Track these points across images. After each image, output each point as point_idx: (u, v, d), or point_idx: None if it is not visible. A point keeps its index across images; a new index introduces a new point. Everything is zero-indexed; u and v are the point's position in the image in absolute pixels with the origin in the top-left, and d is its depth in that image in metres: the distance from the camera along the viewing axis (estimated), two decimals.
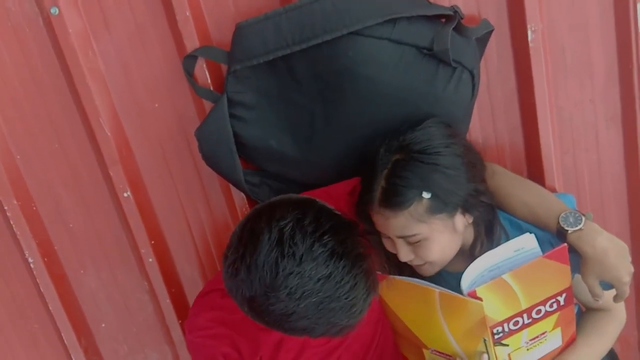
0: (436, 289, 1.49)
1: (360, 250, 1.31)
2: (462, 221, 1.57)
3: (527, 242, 1.54)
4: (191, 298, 1.97)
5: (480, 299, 1.43)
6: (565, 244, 1.52)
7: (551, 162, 1.91)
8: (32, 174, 1.88)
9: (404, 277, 1.60)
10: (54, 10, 1.66)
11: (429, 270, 1.61)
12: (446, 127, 1.57)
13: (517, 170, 1.95)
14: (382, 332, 1.72)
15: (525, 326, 1.54)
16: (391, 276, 1.61)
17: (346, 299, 1.26)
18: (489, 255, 1.52)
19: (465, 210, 1.56)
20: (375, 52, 1.56)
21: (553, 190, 1.89)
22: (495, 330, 1.50)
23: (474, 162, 1.59)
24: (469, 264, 1.61)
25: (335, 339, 1.59)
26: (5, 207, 1.85)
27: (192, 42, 1.70)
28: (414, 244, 1.54)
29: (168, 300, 1.99)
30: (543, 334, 1.58)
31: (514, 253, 1.53)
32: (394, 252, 1.60)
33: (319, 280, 1.23)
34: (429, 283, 1.53)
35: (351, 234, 1.31)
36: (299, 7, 1.54)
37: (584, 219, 1.55)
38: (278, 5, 1.65)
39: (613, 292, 1.57)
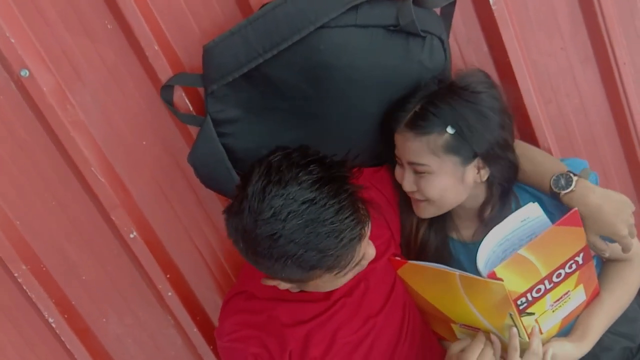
0: (456, 272, 1.49)
1: (348, 179, 1.34)
2: (473, 175, 1.59)
3: (532, 212, 1.56)
4: (217, 321, 1.90)
5: (501, 279, 1.43)
6: (576, 208, 1.53)
7: (537, 115, 1.93)
8: (35, 236, 1.86)
9: (424, 263, 1.60)
10: (24, 73, 1.64)
11: (426, 211, 1.64)
12: (485, 74, 1.62)
13: None
14: (410, 317, 1.72)
15: (547, 291, 1.55)
16: (411, 262, 1.62)
17: (331, 224, 1.28)
18: (498, 229, 1.53)
19: (487, 161, 1.57)
20: (344, 40, 1.55)
21: (549, 151, 1.93)
22: (519, 302, 1.50)
23: (506, 111, 1.61)
24: (477, 230, 1.67)
25: (363, 329, 1.61)
26: (16, 274, 1.83)
27: (166, 74, 1.69)
28: (419, 174, 1.57)
29: (195, 330, 1.99)
30: (566, 294, 1.59)
31: (521, 223, 1.55)
32: (399, 180, 1.63)
33: (303, 202, 1.27)
34: (447, 267, 1.54)
35: (339, 168, 1.35)
36: (262, 16, 1.54)
37: (574, 180, 1.56)
38: (240, 19, 1.65)
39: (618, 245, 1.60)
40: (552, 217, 1.55)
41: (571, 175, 1.57)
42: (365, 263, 1.47)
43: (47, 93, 1.67)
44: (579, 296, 1.62)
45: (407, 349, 1.70)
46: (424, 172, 1.56)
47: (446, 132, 1.51)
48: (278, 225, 1.27)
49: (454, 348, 1.54)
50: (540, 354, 1.51)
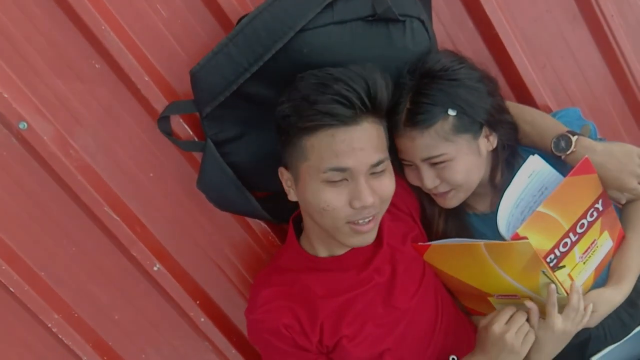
0: (480, 242, 1.47)
1: None
2: (485, 145, 1.59)
3: (535, 165, 1.55)
4: None
5: (526, 238, 1.41)
6: (586, 158, 1.53)
7: (534, 82, 1.92)
8: (62, 284, 1.84)
9: (445, 241, 1.60)
10: (22, 126, 1.63)
11: (454, 199, 1.63)
12: (452, 52, 1.63)
13: (506, 99, 1.87)
14: (443, 306, 1.71)
15: (574, 244, 1.53)
16: (433, 243, 1.61)
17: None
18: (509, 192, 1.52)
19: (491, 127, 1.58)
20: (326, 40, 1.53)
21: (548, 110, 1.90)
22: (548, 259, 1.48)
23: (488, 77, 1.62)
24: (493, 199, 1.68)
25: (394, 315, 1.61)
26: (49, 324, 1.81)
27: (160, 103, 1.69)
28: (438, 166, 1.55)
29: (234, 351, 1.97)
30: (593, 243, 1.58)
31: (529, 179, 1.54)
32: (417, 183, 1.62)
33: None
34: (470, 239, 1.53)
35: None
36: (241, 30, 1.53)
37: (574, 140, 1.57)
38: (223, 35, 1.65)
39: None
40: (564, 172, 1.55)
41: (569, 136, 1.57)
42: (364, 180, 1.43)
43: (49, 142, 1.67)
44: (606, 243, 1.61)
45: (442, 338, 1.69)
46: (443, 162, 1.54)
47: (448, 115, 1.51)
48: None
49: (497, 328, 1.48)
50: (581, 309, 1.48)
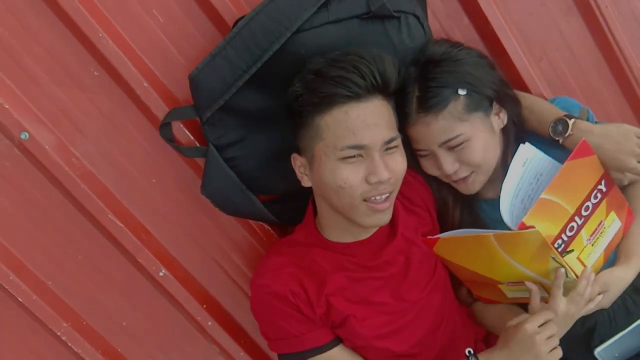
0: (490, 233, 1.48)
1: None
2: (497, 122, 1.60)
3: (527, 152, 1.55)
4: (260, 341, 1.96)
5: (533, 227, 1.41)
6: (583, 140, 1.53)
7: (530, 75, 1.92)
8: (69, 293, 1.84)
9: (455, 233, 1.60)
10: (24, 136, 1.63)
11: (476, 182, 1.63)
12: (444, 39, 1.65)
13: None
14: (450, 304, 1.74)
15: (580, 227, 1.54)
16: (442, 235, 1.62)
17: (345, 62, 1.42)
18: (506, 184, 1.53)
19: (501, 102, 1.59)
20: (323, 39, 1.54)
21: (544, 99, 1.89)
22: (555, 245, 1.48)
23: (485, 55, 1.65)
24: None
25: (403, 305, 1.62)
26: (58, 333, 1.81)
27: (160, 109, 1.68)
28: (456, 149, 1.56)
29: (242, 353, 1.97)
30: (600, 224, 1.58)
31: (523, 168, 1.55)
32: (435, 172, 1.63)
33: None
34: (479, 230, 1.53)
35: None
36: (238, 33, 1.53)
37: (570, 123, 1.57)
38: (220, 38, 1.64)
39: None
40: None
41: (566, 119, 1.58)
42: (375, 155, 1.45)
43: (51, 151, 1.67)
44: (614, 224, 1.62)
45: (448, 334, 1.70)
46: (461, 144, 1.55)
47: (459, 95, 1.52)
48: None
49: (530, 327, 1.47)
50: (587, 294, 1.48)
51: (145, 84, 1.65)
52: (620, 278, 1.58)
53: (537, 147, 1.58)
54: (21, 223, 1.75)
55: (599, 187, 1.56)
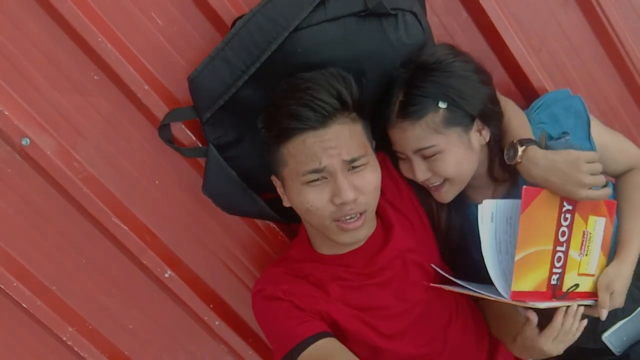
0: (492, 297, 1.53)
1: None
2: (477, 139, 1.59)
3: (490, 207, 1.55)
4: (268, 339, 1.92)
5: (523, 299, 1.49)
6: (524, 187, 1.53)
7: (530, 66, 1.91)
8: (74, 297, 1.83)
9: (455, 288, 1.62)
10: (25, 142, 1.63)
11: (449, 193, 1.62)
12: (449, 45, 1.64)
13: (505, 86, 1.96)
14: (461, 303, 1.75)
15: (566, 251, 1.58)
16: (449, 288, 1.64)
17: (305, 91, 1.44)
18: (485, 248, 1.54)
19: (485, 120, 1.58)
20: (320, 38, 1.53)
21: (544, 90, 1.91)
22: (553, 280, 1.56)
23: (482, 69, 1.62)
24: (496, 191, 1.71)
25: (405, 305, 1.63)
26: (64, 338, 1.81)
27: (161, 111, 1.68)
28: (429, 159, 1.56)
29: (250, 351, 1.98)
30: (584, 235, 1.61)
31: (493, 223, 1.55)
32: (410, 175, 1.62)
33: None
34: (477, 289, 1.56)
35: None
36: (236, 34, 1.53)
37: (520, 151, 1.54)
38: (219, 39, 1.62)
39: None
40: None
41: (517, 146, 1.55)
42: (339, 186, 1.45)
43: (52, 156, 1.67)
44: (597, 224, 1.63)
45: (460, 333, 1.70)
46: (434, 154, 1.55)
47: (439, 107, 1.51)
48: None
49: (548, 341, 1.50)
50: (566, 328, 1.50)
51: (146, 86, 1.65)
52: (617, 274, 1.60)
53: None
54: (24, 228, 1.74)
55: (564, 209, 1.57)
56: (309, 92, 1.42)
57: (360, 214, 1.49)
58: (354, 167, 1.46)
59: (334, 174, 1.44)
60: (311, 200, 1.46)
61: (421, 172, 1.58)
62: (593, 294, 1.62)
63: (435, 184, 1.60)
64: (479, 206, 1.53)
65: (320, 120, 1.41)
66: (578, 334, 1.51)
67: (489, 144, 1.63)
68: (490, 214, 1.55)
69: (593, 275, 1.63)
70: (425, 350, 1.62)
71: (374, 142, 1.58)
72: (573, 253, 1.58)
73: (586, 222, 1.60)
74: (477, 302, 1.82)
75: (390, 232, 1.65)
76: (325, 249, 1.63)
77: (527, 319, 1.50)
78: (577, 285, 1.59)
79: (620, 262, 1.61)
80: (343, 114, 1.45)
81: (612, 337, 1.75)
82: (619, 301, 1.59)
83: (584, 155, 1.51)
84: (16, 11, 1.58)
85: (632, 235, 1.64)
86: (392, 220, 1.67)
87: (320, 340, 1.51)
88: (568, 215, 1.56)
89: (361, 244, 1.60)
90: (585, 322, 1.52)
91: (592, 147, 1.67)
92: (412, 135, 1.54)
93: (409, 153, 1.58)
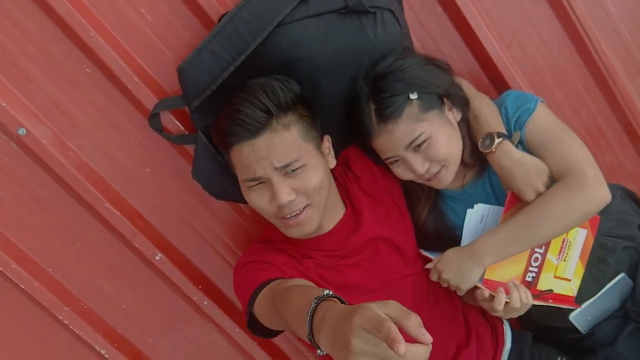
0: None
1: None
2: (452, 116, 1.63)
3: (480, 212, 1.65)
4: None
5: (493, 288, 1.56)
6: (510, 192, 1.62)
7: (502, 60, 1.94)
8: (69, 279, 1.87)
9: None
10: (21, 132, 1.65)
11: (447, 176, 1.64)
12: (401, 50, 1.65)
13: (478, 79, 1.98)
14: (433, 283, 1.77)
15: (545, 254, 1.63)
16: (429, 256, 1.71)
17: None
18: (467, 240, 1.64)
19: (451, 100, 1.62)
20: (302, 33, 1.56)
21: (518, 87, 1.94)
22: (528, 278, 1.60)
23: (434, 59, 1.67)
24: (466, 175, 1.74)
25: (377, 283, 1.67)
26: (60, 317, 1.85)
27: (151, 102, 1.70)
28: (422, 148, 1.58)
29: (237, 329, 2.00)
30: (564, 242, 1.64)
31: (482, 225, 1.64)
32: (409, 175, 1.64)
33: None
34: None
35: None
36: (223, 28, 1.56)
37: (496, 142, 1.59)
38: (205, 33, 1.66)
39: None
40: None
41: (495, 137, 1.60)
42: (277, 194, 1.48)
43: (47, 145, 1.69)
44: (578, 234, 1.66)
45: (431, 310, 1.74)
46: (424, 142, 1.57)
47: (411, 99, 1.55)
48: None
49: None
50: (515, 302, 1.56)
51: (136, 79, 1.67)
52: (452, 256, 1.64)
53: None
54: (21, 214, 1.77)
55: None
56: (238, 108, 1.46)
57: (303, 209, 1.53)
58: (291, 171, 1.48)
59: (270, 180, 1.48)
60: (255, 202, 1.54)
61: (419, 164, 1.60)
62: (566, 298, 1.67)
63: (433, 172, 1.62)
64: (471, 210, 1.62)
65: (248, 134, 1.45)
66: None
67: (460, 128, 1.66)
68: (481, 216, 1.62)
69: (569, 280, 1.67)
70: None
71: (325, 138, 1.62)
72: (551, 257, 1.63)
73: (567, 232, 1.64)
74: None
75: (360, 217, 1.68)
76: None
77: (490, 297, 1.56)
78: (551, 290, 1.65)
79: (465, 251, 1.63)
80: (271, 123, 1.46)
81: (579, 317, 1.79)
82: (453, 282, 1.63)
83: (547, 170, 1.59)
84: (13, 9, 1.60)
85: (495, 240, 1.60)
86: (363, 207, 1.70)
87: (277, 280, 1.52)
88: None
89: (324, 230, 1.65)
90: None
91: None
92: (400, 133, 1.56)
93: (401, 152, 1.60)
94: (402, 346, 0.87)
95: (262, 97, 1.46)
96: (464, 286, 1.61)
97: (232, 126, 1.46)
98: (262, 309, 1.44)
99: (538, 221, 1.57)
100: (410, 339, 0.91)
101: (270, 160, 1.46)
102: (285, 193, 1.47)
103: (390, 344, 0.88)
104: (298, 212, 1.52)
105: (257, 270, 1.57)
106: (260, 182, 1.50)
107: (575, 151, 1.61)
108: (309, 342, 1.09)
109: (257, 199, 1.53)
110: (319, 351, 1.07)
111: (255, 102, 1.45)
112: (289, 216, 1.52)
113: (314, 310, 1.09)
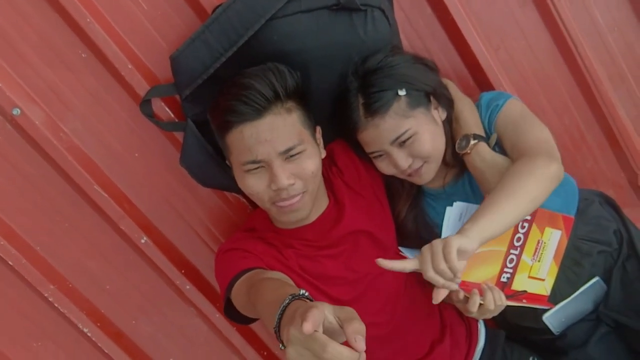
0: None
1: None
2: (438, 115, 1.67)
3: (459, 209, 1.65)
4: None
5: (468, 290, 1.56)
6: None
7: (489, 63, 1.98)
8: (57, 257, 1.91)
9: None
10: (15, 112, 1.69)
11: (428, 172, 1.68)
12: (391, 48, 1.68)
13: (464, 80, 2.02)
14: (411, 279, 1.82)
15: (519, 255, 1.66)
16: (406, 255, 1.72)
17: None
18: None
19: (437, 99, 1.65)
20: (294, 27, 1.60)
21: (502, 89, 1.98)
22: (503, 278, 1.63)
23: (422, 58, 1.70)
24: (447, 174, 1.77)
25: (355, 275, 1.71)
26: (46, 294, 1.88)
27: (143, 89, 1.75)
28: (407, 143, 1.61)
29: (217, 315, 2.04)
30: (538, 243, 1.68)
31: (460, 223, 1.65)
32: (391, 170, 1.68)
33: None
34: None
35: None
36: (216, 19, 1.60)
37: (472, 144, 1.64)
38: (199, 24, 1.69)
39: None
40: None
41: (471, 138, 1.65)
42: (276, 178, 1.52)
43: (40, 126, 1.73)
44: (553, 235, 1.70)
45: (407, 306, 1.78)
46: (409, 138, 1.61)
47: (400, 95, 1.59)
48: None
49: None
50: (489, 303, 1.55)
51: (130, 66, 1.71)
52: (455, 241, 1.46)
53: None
54: (12, 193, 1.81)
55: (523, 218, 1.62)
56: (244, 86, 1.49)
57: (299, 195, 1.57)
58: (291, 156, 1.52)
59: (270, 164, 1.51)
60: (252, 186, 1.56)
61: (403, 160, 1.63)
62: (540, 297, 1.71)
63: (415, 168, 1.65)
64: (450, 208, 1.63)
65: (254, 113, 1.48)
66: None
67: (443, 127, 1.70)
68: (459, 213, 1.64)
69: (543, 280, 1.70)
70: (373, 319, 1.68)
71: (317, 129, 1.66)
72: (526, 257, 1.66)
73: (542, 233, 1.67)
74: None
75: (342, 210, 1.73)
76: (280, 224, 1.72)
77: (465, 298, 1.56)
78: (525, 291, 1.68)
79: (464, 234, 1.46)
80: (276, 105, 1.50)
81: (552, 318, 1.84)
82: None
83: None
84: None
85: (489, 217, 1.48)
86: (345, 200, 1.74)
87: (255, 270, 1.57)
88: (526, 225, 1.65)
89: (308, 221, 1.69)
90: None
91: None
92: (386, 128, 1.60)
93: (386, 147, 1.63)
94: (308, 325, 0.93)
95: (271, 77, 1.50)
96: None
97: (237, 104, 1.48)
98: (238, 296, 1.50)
99: (503, 198, 1.51)
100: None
101: (274, 144, 1.49)
102: (285, 177, 1.51)
103: (302, 321, 0.95)
104: (294, 197, 1.56)
105: (238, 258, 1.62)
106: (259, 167, 1.53)
107: (535, 133, 1.64)
108: (275, 334, 1.12)
109: (255, 183, 1.55)
110: (281, 345, 1.08)
111: (264, 81, 1.49)
112: (285, 202, 1.56)
113: (286, 306, 1.12)
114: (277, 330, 1.11)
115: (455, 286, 1.44)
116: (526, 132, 1.66)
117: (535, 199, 1.52)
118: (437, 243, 1.41)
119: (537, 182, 1.52)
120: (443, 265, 1.38)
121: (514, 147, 1.65)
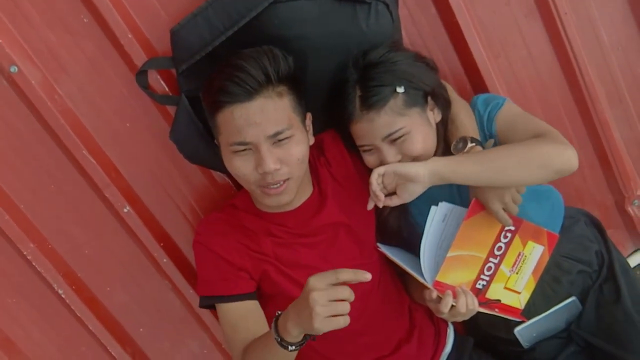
0: (420, 280, 1.67)
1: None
2: (432, 116, 1.71)
3: (444, 210, 1.70)
4: None
5: (442, 290, 1.62)
6: (474, 199, 1.67)
7: (488, 69, 2.03)
8: (39, 217, 1.96)
9: (397, 259, 1.76)
10: (13, 69, 1.74)
11: None
12: (390, 44, 1.74)
13: (460, 84, 2.07)
14: (384, 276, 1.88)
15: (498, 264, 1.71)
16: (385, 252, 1.78)
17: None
18: (427, 240, 1.69)
19: (435, 100, 1.70)
20: (296, 13, 1.64)
21: (497, 93, 2.02)
22: (478, 285, 1.67)
23: (424, 57, 1.75)
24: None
25: (327, 266, 1.71)
26: (25, 252, 1.94)
27: (141, 59, 1.80)
28: (398, 141, 1.66)
29: (191, 291, 2.10)
30: (519, 255, 1.73)
31: (444, 224, 1.69)
32: (381, 163, 1.69)
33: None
34: (407, 267, 1.71)
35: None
36: None
37: (468, 146, 1.67)
38: (202, 1, 1.72)
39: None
40: None
41: (468, 141, 1.68)
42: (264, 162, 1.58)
43: (36, 86, 1.78)
44: (534, 250, 1.75)
45: (379, 303, 1.84)
46: (402, 137, 1.66)
47: (398, 92, 1.64)
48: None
49: (312, 282, 1.38)
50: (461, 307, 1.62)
51: (129, 35, 1.77)
52: (409, 167, 1.60)
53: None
54: (2, 149, 1.86)
55: (507, 228, 1.69)
56: (237, 68, 1.53)
57: (284, 181, 1.62)
58: (279, 140, 1.57)
59: (258, 147, 1.56)
60: (239, 168, 1.61)
61: (391, 156, 1.67)
62: (513, 310, 1.75)
63: None
64: (435, 208, 1.68)
65: (244, 94, 1.53)
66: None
67: (437, 129, 1.74)
68: (444, 215, 1.69)
69: (519, 293, 1.75)
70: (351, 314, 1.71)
71: (308, 115, 1.71)
72: (504, 268, 1.71)
73: (524, 245, 1.72)
74: (401, 275, 1.95)
75: (325, 200, 1.78)
76: (262, 206, 1.77)
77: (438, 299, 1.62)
78: (499, 300, 1.73)
79: (420, 164, 1.61)
80: (268, 88, 1.54)
81: (524, 332, 1.90)
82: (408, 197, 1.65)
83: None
84: None
85: (466, 164, 1.61)
86: (329, 191, 1.79)
87: (240, 301, 1.72)
88: (509, 234, 1.70)
89: (290, 207, 1.75)
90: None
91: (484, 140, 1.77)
92: (380, 123, 1.64)
93: (378, 142, 1.67)
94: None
95: (264, 60, 1.54)
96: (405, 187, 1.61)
97: (229, 85, 1.52)
98: (228, 316, 1.75)
99: (503, 155, 1.61)
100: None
101: (263, 127, 1.54)
102: (272, 162, 1.56)
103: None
104: (280, 183, 1.61)
105: (219, 271, 1.74)
106: (247, 149, 1.57)
107: (544, 124, 1.71)
108: (281, 346, 1.44)
109: (242, 165, 1.60)
110: (290, 347, 1.45)
111: (257, 63, 1.53)
112: (270, 186, 1.62)
113: (276, 323, 1.46)
114: (280, 339, 1.45)
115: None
116: (533, 120, 1.74)
117: (531, 162, 1.60)
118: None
119: (550, 148, 1.61)
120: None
121: (522, 131, 1.70)
